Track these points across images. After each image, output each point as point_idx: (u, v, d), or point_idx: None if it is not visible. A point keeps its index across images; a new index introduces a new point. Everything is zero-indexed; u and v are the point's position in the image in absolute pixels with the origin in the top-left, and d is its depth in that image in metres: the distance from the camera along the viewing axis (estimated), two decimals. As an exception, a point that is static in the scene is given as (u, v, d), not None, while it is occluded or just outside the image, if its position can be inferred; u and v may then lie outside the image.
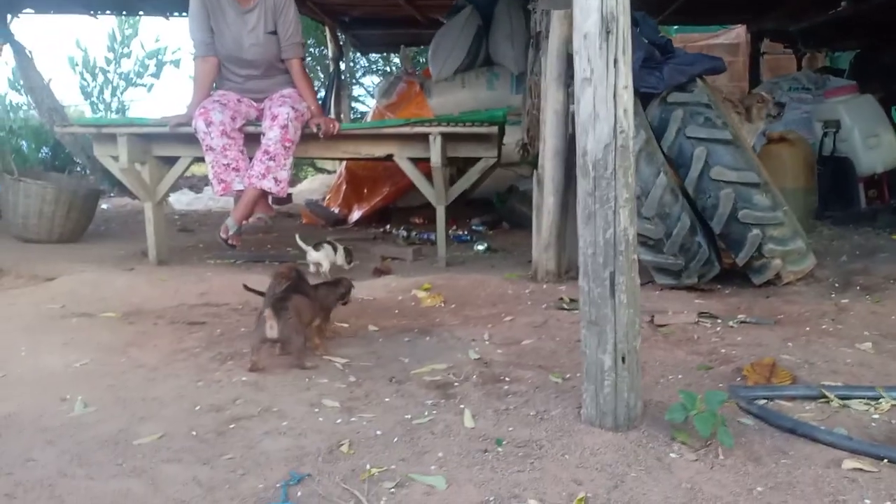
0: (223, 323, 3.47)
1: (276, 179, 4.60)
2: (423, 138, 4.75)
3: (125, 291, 4.12)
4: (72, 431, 2.19)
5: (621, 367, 2.01)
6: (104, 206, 8.99)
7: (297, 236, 4.87)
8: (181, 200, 10.12)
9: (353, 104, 13.57)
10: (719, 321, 3.26)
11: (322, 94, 10.68)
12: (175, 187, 10.81)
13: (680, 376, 2.59)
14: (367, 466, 1.92)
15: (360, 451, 2.03)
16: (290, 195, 10.02)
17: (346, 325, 3.37)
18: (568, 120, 3.98)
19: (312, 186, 11.12)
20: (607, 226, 1.98)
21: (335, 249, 4.75)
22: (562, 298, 3.73)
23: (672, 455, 1.92)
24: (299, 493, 1.78)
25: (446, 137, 4.75)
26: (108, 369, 2.79)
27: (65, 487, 1.81)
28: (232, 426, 2.23)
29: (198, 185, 11.34)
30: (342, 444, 2.07)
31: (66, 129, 5.22)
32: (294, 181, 12.79)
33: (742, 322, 3.23)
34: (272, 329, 2.70)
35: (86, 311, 3.67)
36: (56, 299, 3.91)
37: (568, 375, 2.64)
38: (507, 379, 2.60)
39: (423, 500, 1.75)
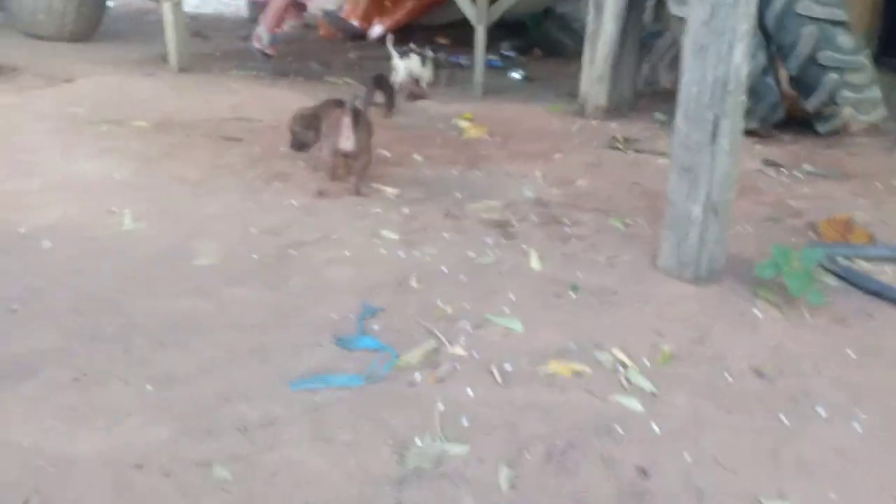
0: (261, 140, 3.30)
1: (306, -17, 4.22)
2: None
3: (152, 99, 3.92)
4: (124, 246, 2.12)
5: (712, 219, 1.90)
6: (109, 3, 8.45)
7: (389, 39, 4.58)
8: (189, 1, 9.46)
9: None
10: (784, 171, 3.11)
11: None
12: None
13: (749, 228, 2.49)
14: (440, 303, 1.87)
15: (430, 287, 1.97)
16: (304, 4, 9.45)
17: (388, 154, 3.21)
18: (642, -65, 3.56)
19: (328, -6, 10.41)
20: (719, 61, 1.77)
21: (424, 61, 4.53)
22: (615, 137, 3.54)
23: (756, 312, 1.87)
24: (375, 327, 1.74)
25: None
26: (149, 182, 2.67)
27: (128, 305, 1.76)
28: (292, 251, 2.15)
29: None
30: (410, 278, 2.00)
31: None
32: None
33: (808, 173, 3.08)
34: (348, 140, 2.54)
35: (114, 118, 3.48)
36: (80, 103, 3.71)
37: (629, 221, 2.54)
38: (566, 221, 2.51)
39: (501, 342, 1.71)
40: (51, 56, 4.93)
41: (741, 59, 1.79)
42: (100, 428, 1.33)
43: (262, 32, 4.29)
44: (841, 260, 2.16)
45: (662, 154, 3.20)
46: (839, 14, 3.21)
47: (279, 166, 2.93)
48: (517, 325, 1.77)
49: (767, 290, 1.92)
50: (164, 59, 4.88)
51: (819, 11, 3.20)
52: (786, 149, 3.44)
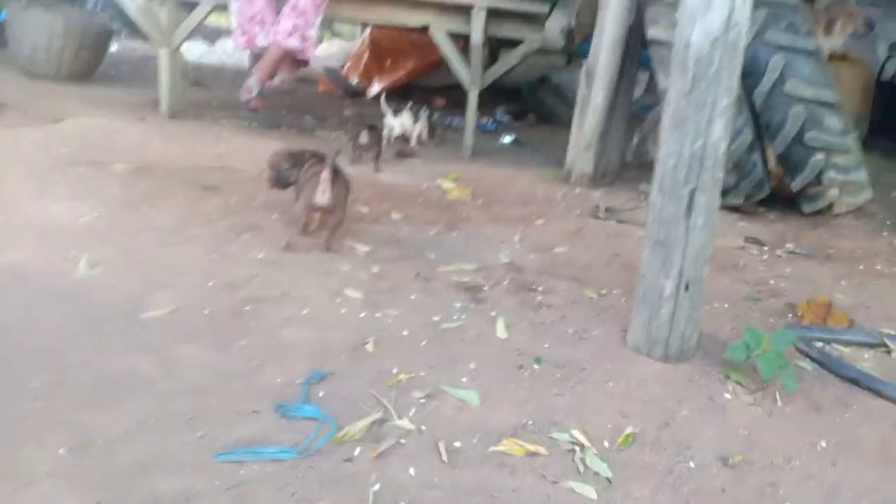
0: (240, 190, 3.25)
1: (303, 38, 4.25)
2: (465, 11, 4.35)
3: (137, 143, 3.88)
4: (77, 294, 2.03)
5: (683, 296, 1.83)
6: (114, 47, 8.56)
7: (382, 96, 4.70)
8: (192, 51, 9.62)
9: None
10: (766, 249, 3.06)
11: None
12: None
13: (726, 305, 2.41)
14: (395, 370, 1.77)
15: (387, 352, 1.88)
16: (306, 60, 9.60)
17: (366, 210, 3.16)
18: (634, 4, 3.60)
19: (330, 52, 10.55)
20: (698, 135, 1.73)
21: (415, 118, 4.60)
22: (597, 206, 3.50)
23: (727, 395, 1.77)
24: (321, 394, 1.64)
25: (490, 13, 4.35)
26: (117, 226, 2.60)
27: (68, 358, 1.66)
28: (248, 308, 2.07)
29: (211, 35, 10.78)
30: (367, 342, 1.92)
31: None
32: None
33: (791, 252, 3.03)
34: (324, 194, 2.49)
35: (94, 160, 3.44)
36: (63, 143, 3.66)
37: (604, 291, 2.47)
38: (540, 289, 2.43)
39: (454, 415, 1.61)
40: (44, 95, 4.93)
41: (720, 133, 1.74)
42: (1, 495, 1.22)
43: (253, 83, 4.30)
44: (818, 344, 2.08)
45: (644, 226, 3.14)
46: (828, 95, 3.21)
47: (253, 218, 2.87)
48: (473, 398, 1.67)
49: (740, 373, 1.83)
50: (156, 104, 4.89)
51: (807, 92, 3.20)
52: (770, 226, 3.39)
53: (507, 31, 4.52)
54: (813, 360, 1.98)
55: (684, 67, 1.73)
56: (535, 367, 1.85)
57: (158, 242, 2.50)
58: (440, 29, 4.50)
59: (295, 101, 6.36)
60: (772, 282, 2.67)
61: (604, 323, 2.15)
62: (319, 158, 2.71)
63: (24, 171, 3.14)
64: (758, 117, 3.33)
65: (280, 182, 2.73)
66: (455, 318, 2.13)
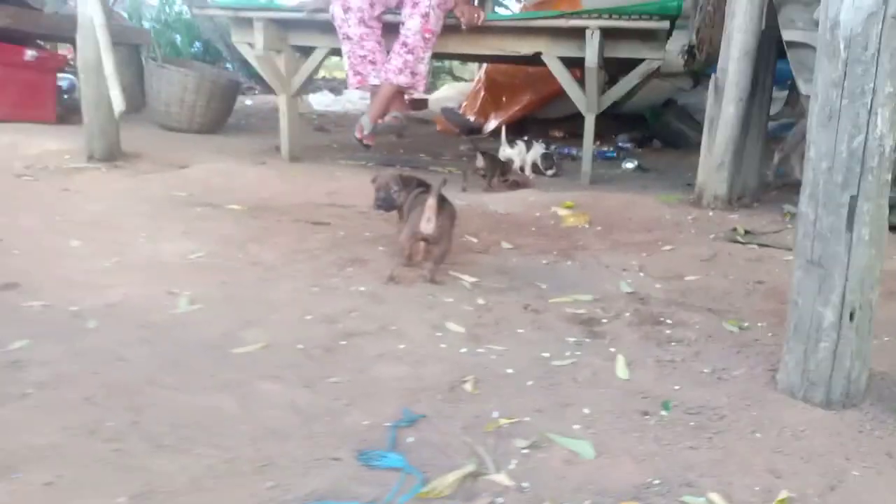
0: (348, 225, 3.19)
1: (412, 73, 4.20)
2: (578, 35, 4.13)
3: (254, 184, 3.95)
4: (172, 330, 1.97)
5: (847, 326, 1.49)
6: (248, 101, 9.06)
7: (503, 128, 4.76)
8: (321, 101, 10.07)
9: (497, 8, 12.77)
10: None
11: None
12: (315, 88, 10.80)
13: (902, 339, 2.01)
14: (495, 414, 1.55)
15: (487, 393, 1.66)
16: (426, 100, 9.72)
17: (475, 240, 2.99)
18: (764, 11, 3.26)
19: (448, 94, 10.67)
20: (856, 130, 1.42)
21: (528, 147, 4.60)
22: (735, 229, 3.14)
23: (911, 451, 1.41)
24: (410, 440, 1.44)
25: (605, 33, 4.11)
26: (223, 264, 2.58)
27: (147, 397, 1.57)
28: (343, 342, 1.93)
29: (338, 87, 11.26)
30: (466, 381, 1.71)
31: (202, 11, 5.06)
32: (430, 89, 12.43)
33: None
34: (429, 223, 2.36)
35: (212, 202, 3.51)
36: (185, 187, 3.79)
37: (747, 324, 2.14)
38: (668, 321, 2.14)
39: (563, 470, 1.36)
40: (176, 145, 5.20)
41: (886, 128, 1.42)
42: (56, 546, 1.11)
43: (365, 121, 4.28)
44: None
45: (791, 249, 2.75)
46: None
47: (359, 251, 2.77)
48: (587, 450, 1.41)
49: (928, 424, 1.46)
50: (278, 149, 5.01)
51: None
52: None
53: (624, 51, 4.25)
54: None
55: (833, 52, 1.43)
56: (663, 413, 1.57)
57: (260, 278, 2.43)
58: (553, 55, 4.31)
59: (413, 140, 6.39)
60: (959, 312, 2.21)
61: (747, 360, 1.82)
62: (425, 186, 2.58)
63: (146, 212, 3.24)
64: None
65: (387, 203, 2.63)
66: (567, 354, 1.89)
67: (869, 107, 1.41)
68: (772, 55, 3.53)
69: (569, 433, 1.48)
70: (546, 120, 7.19)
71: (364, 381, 1.70)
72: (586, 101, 4.32)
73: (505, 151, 4.57)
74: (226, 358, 1.81)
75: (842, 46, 1.42)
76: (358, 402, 1.60)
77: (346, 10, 4.17)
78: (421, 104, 9.36)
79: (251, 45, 4.61)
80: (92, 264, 2.51)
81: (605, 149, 5.97)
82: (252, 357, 1.82)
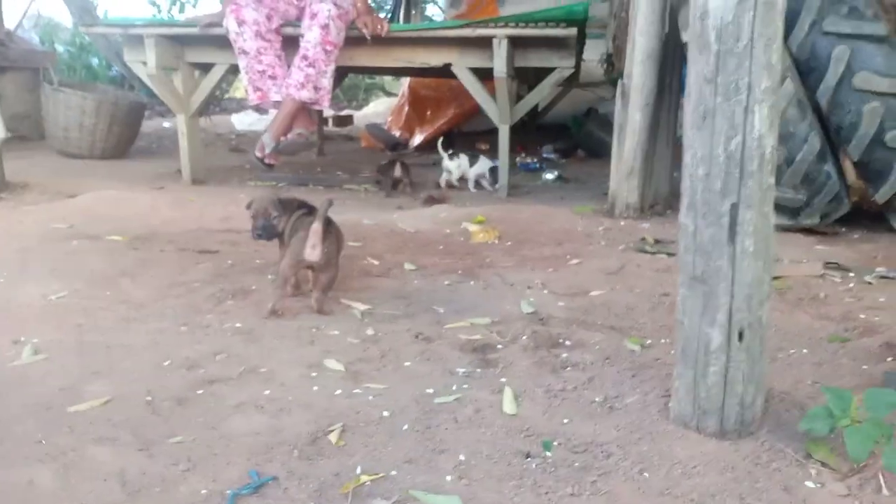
0: (238, 252, 2.95)
1: (316, 88, 4.00)
2: (487, 44, 4.02)
3: (145, 212, 3.67)
4: (5, 388, 1.72)
5: (737, 348, 1.36)
6: (165, 124, 8.68)
7: (439, 141, 4.68)
8: (243, 121, 9.71)
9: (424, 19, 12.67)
10: (852, 275, 2.51)
11: (390, 5, 9.94)
12: (238, 107, 10.47)
13: (805, 351, 1.90)
14: (357, 470, 1.36)
15: (354, 443, 1.47)
16: (350, 116, 9.52)
17: (376, 263, 2.80)
18: (665, 14, 3.18)
19: (378, 110, 10.51)
20: (733, 131, 1.29)
21: (472, 163, 4.50)
22: (644, 239, 3.04)
23: (809, 484, 1.27)
24: (251, 510, 1.24)
25: (514, 42, 4.01)
26: (85, 304, 2.31)
27: (-50, 474, 1.33)
28: (200, 391, 1.71)
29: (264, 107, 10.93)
30: (332, 430, 1.51)
31: (92, 30, 4.75)
32: (361, 104, 12.24)
33: (883, 277, 2.47)
34: (314, 249, 2.15)
35: (92, 233, 3.22)
36: (68, 218, 3.49)
37: (649, 342, 2.00)
38: (567, 343, 1.99)
39: (424, 535, 1.17)
40: (72, 173, 4.88)
41: (765, 127, 1.30)
42: None
43: (267, 139, 4.06)
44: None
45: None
46: (908, 86, 2.68)
47: (244, 281, 2.54)
48: (454, 507, 1.24)
49: (824, 450, 1.33)
50: (181, 172, 4.74)
51: (882, 84, 2.68)
52: (855, 248, 2.84)
53: (533, 60, 4.16)
54: (931, 423, 1.44)
55: (704, 44, 1.30)
56: (546, 453, 1.40)
57: (123, 319, 2.19)
58: (463, 66, 4.19)
59: (334, 157, 6.19)
60: (862, 315, 2.13)
61: (642, 385, 1.68)
62: (308, 210, 2.37)
63: (16, 249, 2.94)
64: (825, 120, 2.82)
65: (266, 232, 2.39)
66: (454, 388, 1.71)
67: (745, 104, 1.28)
68: (677, 58, 3.47)
69: (439, 487, 1.30)
70: (472, 133, 7.10)
71: (212, 439, 1.48)
72: (499, 113, 4.20)
73: (446, 164, 4.50)
74: (58, 419, 1.57)
75: (712, 37, 1.29)
76: (200, 465, 1.38)
77: (241, 23, 3.96)
78: (346, 120, 9.17)
79: (145, 64, 4.34)
80: (-67, 312, 2.22)
81: (529, 160, 5.89)
82: (88, 416, 1.59)
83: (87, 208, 3.70)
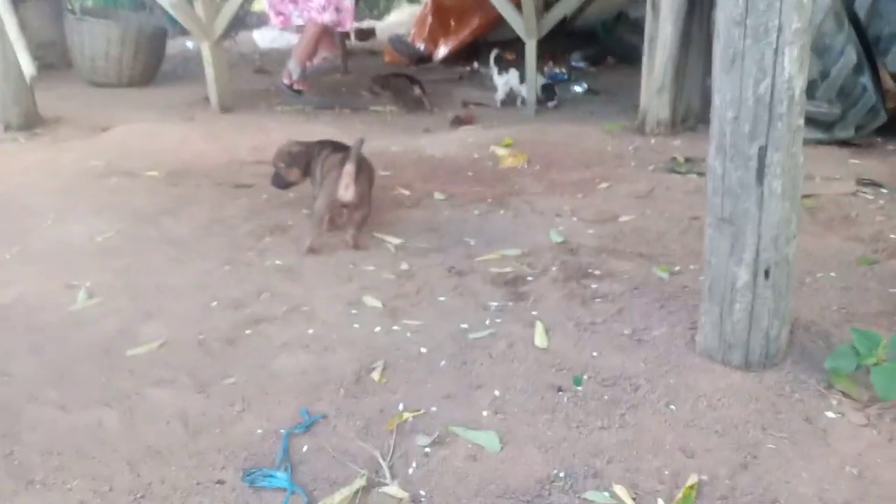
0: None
1: (337, 9, 3.94)
2: (512, -47, 3.88)
3: (177, 145, 3.72)
4: (65, 332, 1.84)
5: (763, 285, 1.39)
6: (188, 44, 8.56)
7: (492, 52, 4.59)
8: (265, 37, 9.46)
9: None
10: (884, 192, 2.49)
11: None
12: (260, 22, 10.25)
13: (833, 274, 1.93)
14: (400, 407, 1.46)
15: (395, 380, 1.56)
16: (373, 29, 9.26)
17: (407, 193, 2.84)
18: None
19: (400, 19, 10.20)
20: (762, 74, 1.28)
21: (521, 78, 4.38)
22: (675, 158, 3.01)
23: (829, 414, 1.34)
24: (305, 448, 1.35)
25: (539, -49, 3.86)
26: (131, 245, 2.41)
27: (27, 419, 1.46)
28: (248, 331, 1.81)
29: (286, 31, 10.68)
30: (374, 368, 1.61)
31: (109, -42, 4.66)
32: (382, 14, 11.89)
33: (919, 194, 2.46)
34: (348, 189, 2.21)
35: (129, 169, 3.30)
36: (104, 154, 3.56)
37: (678, 268, 2.04)
38: (596, 273, 2.04)
39: (466, 469, 1.27)
40: (102, 103, 4.91)
41: (794, 69, 1.28)
42: None
43: (293, 66, 4.04)
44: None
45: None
46: (953, -9, 2.56)
47: (280, 217, 2.61)
48: (492, 442, 1.33)
49: (847, 381, 1.39)
50: (209, 99, 4.74)
51: (926, -10, 2.56)
52: (889, 162, 2.79)
53: (560, -31, 4.01)
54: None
55: (734, -17, 1.27)
56: (577, 388, 1.48)
57: (170, 259, 2.28)
58: (487, -23, 4.06)
59: (357, 76, 6.10)
60: (893, 236, 2.14)
61: (670, 317, 1.73)
62: (337, 148, 2.40)
63: (58, 188, 3.04)
64: (863, 31, 2.72)
65: (277, 182, 2.47)
66: (487, 323, 1.79)
67: (775, 46, 1.26)
68: (711, -36, 3.33)
69: (476, 422, 1.39)
70: (498, 42, 6.91)
71: (263, 379, 1.59)
72: (525, 27, 4.10)
73: (497, 80, 4.42)
74: (118, 362, 1.69)
75: (742, -22, 1.26)
76: (253, 405, 1.49)
77: (259, -55, 3.86)
78: (368, 34, 8.93)
79: (165, -9, 4.28)
80: (-11, 256, 2.34)
81: (558, 70, 5.74)
82: (146, 359, 1.70)
83: (121, 143, 3.76)
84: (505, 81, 4.34)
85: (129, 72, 5.68)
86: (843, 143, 2.97)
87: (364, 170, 2.32)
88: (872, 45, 2.74)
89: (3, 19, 3.73)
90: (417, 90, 4.32)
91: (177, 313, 1.92)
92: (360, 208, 2.29)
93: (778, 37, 1.26)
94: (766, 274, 1.39)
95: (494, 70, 4.40)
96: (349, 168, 2.20)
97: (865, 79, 2.71)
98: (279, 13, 4.07)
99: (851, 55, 2.66)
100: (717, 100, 1.36)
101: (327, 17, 3.94)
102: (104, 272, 2.19)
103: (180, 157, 3.48)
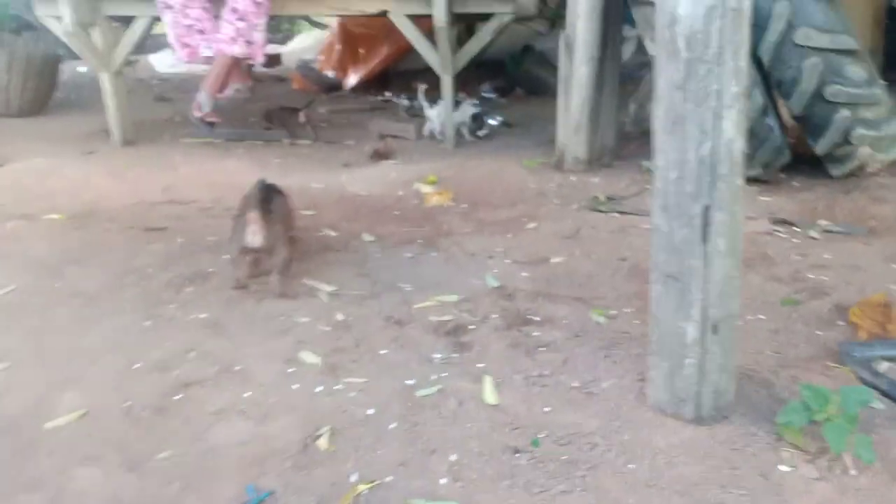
0: (188, 228, 2.86)
1: (248, 42, 3.82)
2: (426, -10, 3.90)
3: (78, 184, 3.49)
4: (-32, 406, 1.66)
5: (711, 340, 1.42)
6: (81, 68, 8.10)
7: (420, 87, 4.56)
8: (163, 61, 9.08)
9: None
10: (797, 230, 2.64)
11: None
12: (158, 46, 9.85)
13: (761, 316, 2.01)
14: (353, 478, 1.39)
15: (344, 448, 1.49)
16: (278, 55, 9.08)
17: (333, 234, 2.77)
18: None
19: (306, 44, 10.07)
20: (704, 136, 1.31)
21: (456, 107, 4.33)
22: (596, 197, 3.09)
23: (782, 468, 1.37)
24: (255, 532, 1.25)
25: (453, -13, 3.90)
26: (36, 301, 2.22)
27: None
28: (178, 397, 1.69)
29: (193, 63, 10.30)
30: (320, 434, 1.53)
31: (-4, -18, 4.36)
32: (285, 38, 11.70)
33: (827, 231, 2.61)
34: (255, 236, 2.11)
35: (27, 212, 3.06)
36: (-1, 195, 3.29)
37: (613, 312, 2.07)
38: (536, 319, 2.04)
39: (430, 545, 1.22)
40: (-12, 137, 4.56)
41: (733, 131, 1.33)
42: None
43: (203, 98, 3.87)
44: (883, 366, 1.67)
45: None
46: (847, 42, 2.76)
47: (199, 263, 2.48)
48: (454, 514, 1.28)
49: (796, 433, 1.43)
50: (108, 131, 4.48)
51: (822, 40, 2.75)
52: (797, 198, 2.96)
53: (472, 6, 4.07)
54: (884, 394, 1.57)
55: (673, 51, 1.31)
56: (534, 449, 1.46)
57: (80, 318, 2.11)
58: (401, 13, 4.06)
59: (266, 104, 5.94)
60: (811, 275, 2.25)
61: (616, 366, 1.75)
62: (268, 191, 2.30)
63: (-55, 237, 2.77)
64: (767, 75, 2.89)
65: None
66: (433, 378, 1.74)
67: (715, 110, 1.30)
68: (620, 4, 3.45)
69: (435, 493, 1.35)
70: (409, 71, 6.91)
71: (200, 452, 1.48)
72: (440, 62, 4.11)
73: (429, 113, 4.39)
74: (38, 438, 1.53)
75: (682, 45, 1.29)
76: (193, 483, 1.39)
77: (165, -25, 3.71)
78: (275, 60, 8.75)
79: (59, 19, 4.04)
80: None
81: (470, 101, 5.80)
82: (67, 433, 1.55)
83: (15, 183, 3.50)
84: (438, 113, 4.33)
85: (19, 101, 5.33)
86: (752, 180, 3.13)
87: (278, 211, 2.24)
88: (775, 88, 2.91)
89: None
90: (302, 117, 4.40)
91: (96, 379, 1.77)
92: (275, 253, 2.20)
93: (718, 101, 1.30)
94: (715, 330, 1.42)
95: (426, 104, 4.42)
96: (252, 214, 2.11)
97: (771, 120, 2.87)
98: (185, 45, 3.90)
99: (758, 97, 2.82)
100: (660, 160, 1.39)
101: (237, 50, 3.81)
102: (8, 334, 2.01)
103: (83, 198, 3.27)
